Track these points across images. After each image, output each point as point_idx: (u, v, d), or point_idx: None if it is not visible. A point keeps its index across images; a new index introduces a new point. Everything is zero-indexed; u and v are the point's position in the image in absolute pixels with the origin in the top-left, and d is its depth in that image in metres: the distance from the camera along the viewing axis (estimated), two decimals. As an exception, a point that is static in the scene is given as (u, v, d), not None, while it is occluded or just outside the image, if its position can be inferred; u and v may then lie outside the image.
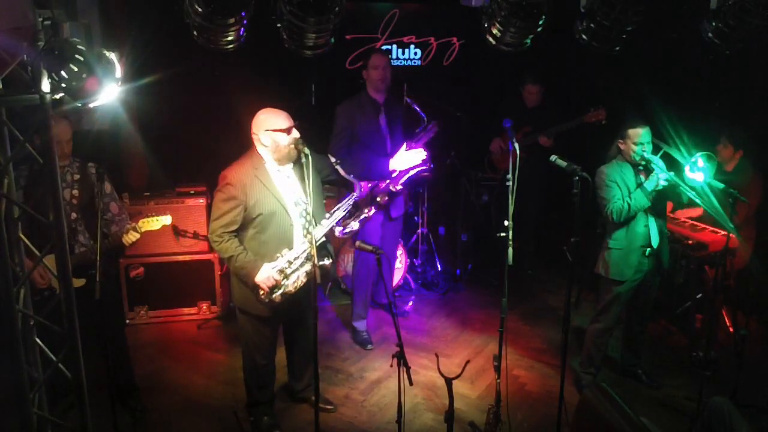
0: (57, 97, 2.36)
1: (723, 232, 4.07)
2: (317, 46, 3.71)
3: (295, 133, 3.28)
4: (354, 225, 3.71)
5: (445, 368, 3.13)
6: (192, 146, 5.17)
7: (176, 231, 4.80)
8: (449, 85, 6.23)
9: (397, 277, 5.41)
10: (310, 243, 3.07)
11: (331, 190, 4.97)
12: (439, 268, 5.86)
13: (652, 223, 3.81)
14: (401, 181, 4.32)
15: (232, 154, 3.44)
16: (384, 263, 3.05)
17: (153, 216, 3.69)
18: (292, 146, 3.24)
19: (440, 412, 3.71)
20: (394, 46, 6.13)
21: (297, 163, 3.35)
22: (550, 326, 4.99)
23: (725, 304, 4.72)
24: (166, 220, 3.74)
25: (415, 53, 6.22)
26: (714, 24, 3.82)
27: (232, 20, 3.38)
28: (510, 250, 3.29)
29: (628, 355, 4.27)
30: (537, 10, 3.64)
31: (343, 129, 4.35)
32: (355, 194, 3.60)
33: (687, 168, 3.74)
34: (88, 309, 2.98)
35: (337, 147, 4.25)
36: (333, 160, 3.56)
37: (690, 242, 4.56)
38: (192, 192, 4.98)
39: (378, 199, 4.17)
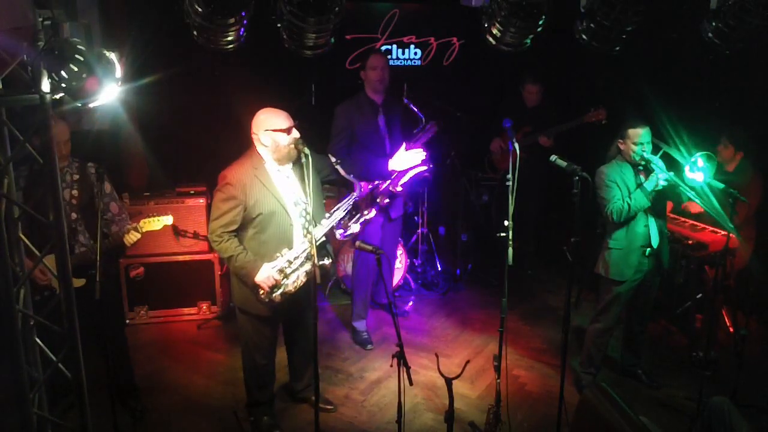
0: (57, 97, 2.36)
1: (723, 232, 4.07)
2: (317, 46, 3.70)
3: (295, 133, 3.28)
4: (355, 227, 3.71)
5: (445, 368, 3.13)
6: (192, 146, 5.17)
7: (176, 231, 4.80)
8: (449, 85, 6.23)
9: (397, 277, 5.41)
10: (310, 243, 3.07)
11: (331, 190, 4.97)
12: (439, 268, 5.86)
13: (652, 223, 3.81)
14: (401, 182, 4.32)
15: (232, 154, 3.44)
16: (384, 263, 3.05)
17: (154, 216, 3.69)
18: (292, 146, 3.24)
19: (440, 412, 3.71)
20: (394, 46, 6.13)
21: (297, 163, 3.36)
22: (550, 326, 4.99)
23: (725, 304, 4.72)
24: (168, 220, 3.74)
25: (415, 53, 6.22)
26: (714, 24, 3.82)
27: (232, 20, 3.38)
28: (510, 250, 3.29)
29: (628, 355, 4.27)
30: (537, 10, 3.64)
31: (342, 129, 4.36)
32: (354, 194, 3.60)
33: (687, 168, 3.74)
34: (88, 309, 2.98)
35: (336, 148, 4.25)
36: (333, 160, 3.56)
37: (690, 242, 4.56)
38: (192, 192, 4.98)
39: (378, 200, 4.17)
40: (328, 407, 3.90)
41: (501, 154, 5.83)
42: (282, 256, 3.29)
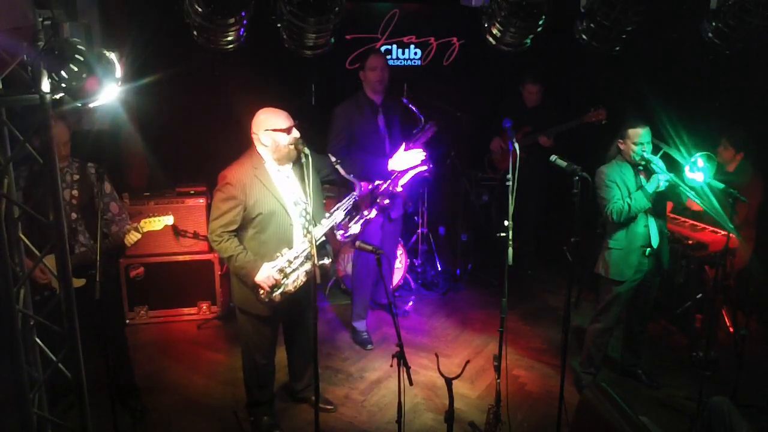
0: (57, 97, 2.36)
1: (723, 232, 4.07)
2: (317, 46, 3.70)
3: (295, 133, 3.28)
4: (355, 228, 3.71)
5: (445, 368, 3.13)
6: (192, 146, 5.17)
7: (176, 231, 4.80)
8: (449, 85, 6.23)
9: (397, 277, 5.41)
10: (310, 242, 3.07)
11: (331, 190, 4.97)
12: (439, 268, 5.86)
13: (652, 224, 3.81)
14: (401, 183, 4.32)
15: (232, 154, 3.44)
16: (384, 263, 3.05)
17: (154, 216, 3.69)
18: (292, 146, 3.24)
19: (440, 412, 3.71)
20: (394, 46, 6.13)
21: (297, 163, 3.36)
22: (550, 326, 4.99)
23: (725, 304, 4.71)
24: (169, 220, 3.74)
25: (415, 53, 6.22)
26: (714, 24, 3.82)
27: (232, 20, 3.38)
28: (510, 250, 3.29)
29: (628, 355, 4.27)
30: (537, 10, 3.64)
31: (343, 129, 4.35)
32: (354, 194, 3.59)
33: (687, 168, 3.74)
34: (88, 309, 2.98)
35: (336, 148, 4.23)
36: (333, 159, 3.56)
37: (690, 242, 4.56)
38: (192, 192, 4.98)
39: (378, 200, 4.16)
40: (328, 407, 3.90)
41: (501, 154, 5.83)
42: (282, 255, 3.29)
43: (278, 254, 3.29)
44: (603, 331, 4.03)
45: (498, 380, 3.40)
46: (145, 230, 3.63)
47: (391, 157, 4.10)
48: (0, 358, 2.37)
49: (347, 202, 3.54)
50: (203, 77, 5.24)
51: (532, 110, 5.69)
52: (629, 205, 3.69)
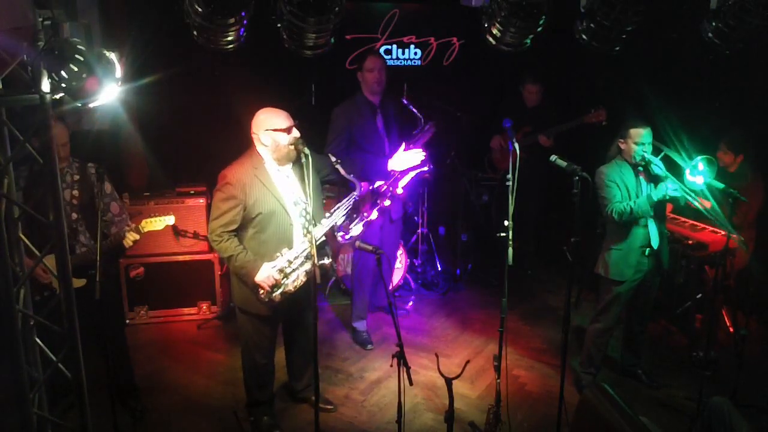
0: (57, 97, 2.36)
1: (723, 232, 4.06)
2: (317, 46, 3.70)
3: (295, 133, 3.28)
4: (356, 230, 3.71)
5: (445, 368, 3.13)
6: (192, 146, 5.17)
7: (176, 231, 4.79)
8: (449, 85, 6.23)
9: (397, 277, 5.41)
10: (310, 242, 3.07)
11: (331, 190, 4.97)
12: (439, 268, 5.86)
13: (652, 224, 3.81)
14: (402, 184, 4.31)
15: (232, 154, 3.44)
16: (384, 263, 3.05)
17: (155, 216, 3.69)
18: (292, 146, 3.24)
19: (440, 412, 3.71)
20: (394, 46, 6.13)
21: (297, 162, 3.36)
22: (550, 326, 4.99)
23: (725, 304, 4.71)
24: (170, 220, 3.74)
25: (415, 53, 6.22)
26: (714, 24, 3.82)
27: (232, 20, 3.38)
28: (510, 250, 3.29)
29: (628, 355, 4.27)
30: (537, 10, 3.64)
31: (342, 130, 4.34)
32: (355, 194, 3.59)
33: (687, 171, 3.73)
34: (88, 309, 2.98)
35: (336, 149, 4.22)
36: (333, 159, 3.56)
37: (690, 242, 4.56)
38: (192, 192, 4.98)
39: (378, 201, 4.16)
40: (328, 407, 3.90)
41: (501, 152, 5.83)
42: (282, 255, 3.29)
43: (278, 254, 3.29)
44: (603, 331, 4.03)
45: (498, 380, 3.40)
46: (145, 230, 3.63)
47: (390, 157, 4.10)
48: (0, 358, 2.36)
49: (347, 203, 3.54)
50: (203, 77, 5.24)
51: (532, 110, 5.69)
52: (631, 208, 3.68)
